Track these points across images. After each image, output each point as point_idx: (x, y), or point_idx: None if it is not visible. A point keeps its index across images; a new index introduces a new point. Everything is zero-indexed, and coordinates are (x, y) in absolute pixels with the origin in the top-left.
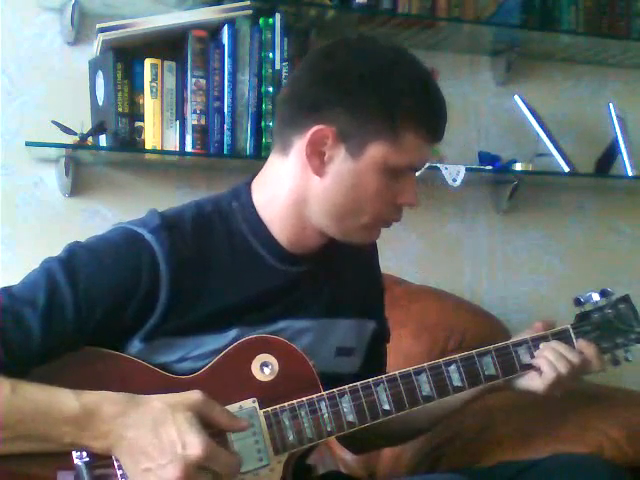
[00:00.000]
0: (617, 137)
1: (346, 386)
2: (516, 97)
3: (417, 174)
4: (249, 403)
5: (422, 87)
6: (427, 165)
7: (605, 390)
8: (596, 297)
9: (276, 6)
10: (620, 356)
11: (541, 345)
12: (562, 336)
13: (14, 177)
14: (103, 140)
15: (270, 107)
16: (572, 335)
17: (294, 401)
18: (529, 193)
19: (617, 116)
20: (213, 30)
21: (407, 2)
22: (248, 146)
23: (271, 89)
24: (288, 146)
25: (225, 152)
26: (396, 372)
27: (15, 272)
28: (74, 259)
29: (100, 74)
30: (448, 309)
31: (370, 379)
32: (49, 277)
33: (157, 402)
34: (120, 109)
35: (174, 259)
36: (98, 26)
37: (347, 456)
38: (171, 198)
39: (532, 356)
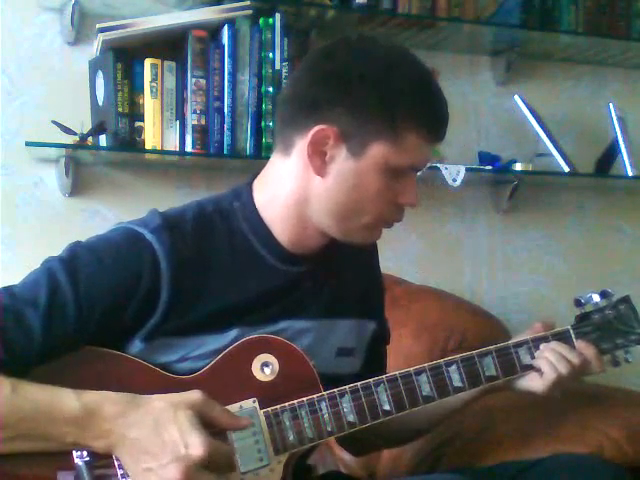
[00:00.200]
0: (617, 137)
1: (346, 386)
2: (516, 97)
3: (418, 174)
4: (249, 403)
5: (423, 87)
6: (427, 165)
7: (605, 390)
8: (596, 298)
9: (276, 6)
10: (620, 357)
11: (541, 346)
12: (562, 337)
13: (14, 177)
14: (103, 140)
15: (270, 107)
16: (572, 336)
17: (294, 401)
18: (529, 193)
19: (617, 116)
20: (213, 30)
21: (407, 2)
22: (248, 146)
23: (271, 89)
24: (289, 146)
25: (225, 152)
26: (396, 372)
27: (15, 272)
28: (75, 259)
29: (100, 74)
30: (448, 309)
31: (370, 379)
32: (50, 277)
33: (158, 402)
34: (120, 109)
35: (175, 259)
36: (98, 26)
37: (347, 456)
38: (171, 198)
39: (532, 357)
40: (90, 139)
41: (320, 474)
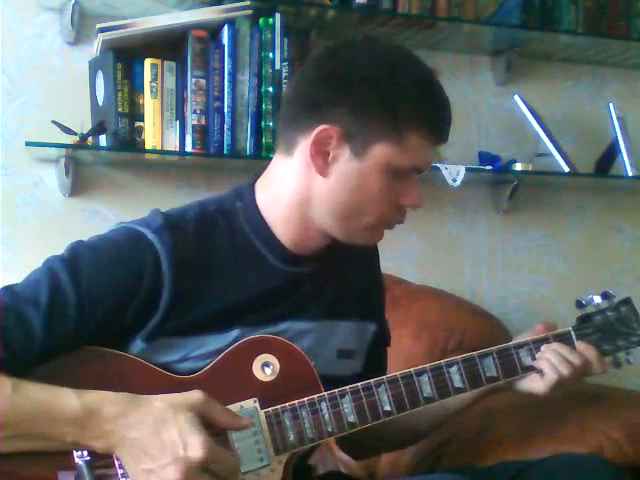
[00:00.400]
0: (617, 137)
1: (347, 387)
2: (516, 97)
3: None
4: (250, 403)
5: (426, 88)
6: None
7: (605, 390)
8: (598, 299)
9: (276, 6)
10: (621, 358)
11: (542, 347)
12: (563, 338)
13: (14, 177)
14: (103, 140)
15: (270, 107)
16: (574, 337)
17: (295, 401)
18: (529, 193)
19: (617, 116)
20: (213, 30)
21: (407, 2)
22: (248, 146)
23: (271, 89)
24: (292, 146)
25: (225, 152)
26: (397, 373)
27: (15, 272)
28: (77, 258)
29: (100, 74)
30: (448, 309)
31: (371, 380)
32: (51, 276)
33: (158, 402)
34: (120, 109)
35: (176, 259)
36: (98, 26)
37: (347, 457)
38: (171, 198)
39: (533, 358)
40: (90, 139)
41: (320, 474)
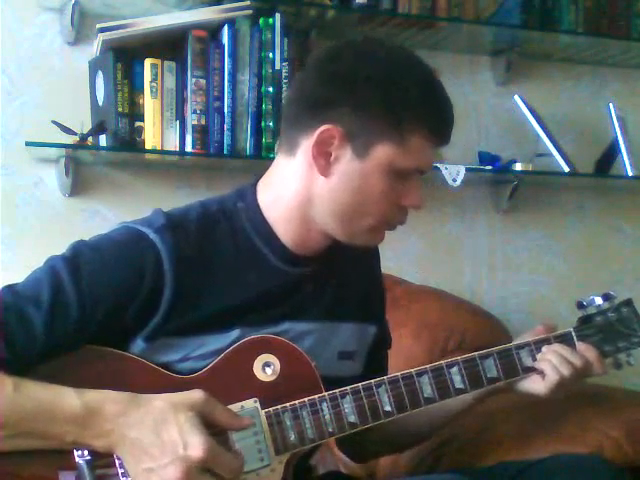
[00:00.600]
0: (617, 137)
1: (347, 387)
2: (516, 97)
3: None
4: (251, 403)
5: (429, 90)
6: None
7: (605, 390)
8: (599, 301)
9: (276, 6)
10: (622, 360)
11: (543, 348)
12: (564, 339)
13: (14, 177)
14: (103, 140)
15: (270, 107)
16: (574, 338)
17: (296, 401)
18: (529, 193)
19: (617, 116)
20: (213, 30)
21: (407, 2)
22: (248, 146)
23: (271, 89)
24: (294, 146)
25: (225, 152)
26: (398, 373)
27: (15, 272)
28: (78, 257)
29: (100, 74)
30: (448, 309)
31: (372, 380)
32: (53, 275)
33: (159, 402)
34: (120, 109)
35: (178, 259)
36: (98, 26)
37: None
38: (171, 198)
39: (534, 359)
40: (90, 139)
41: (320, 474)
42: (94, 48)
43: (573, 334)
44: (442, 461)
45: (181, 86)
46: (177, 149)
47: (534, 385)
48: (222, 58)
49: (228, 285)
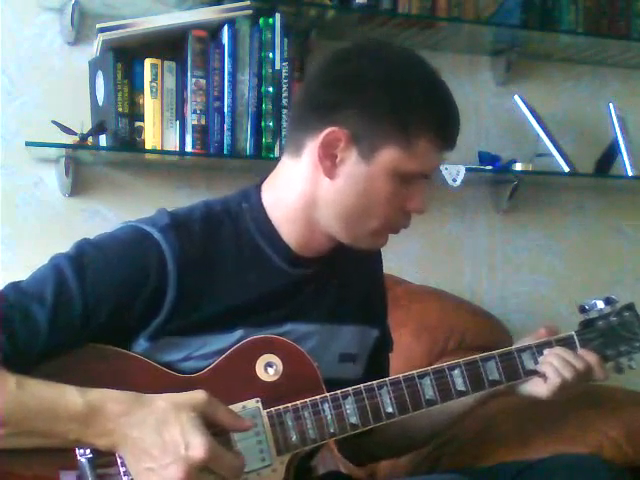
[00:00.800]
0: (617, 137)
1: (349, 388)
2: (516, 97)
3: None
4: (253, 403)
5: (436, 94)
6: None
7: (605, 390)
8: (600, 305)
9: (276, 6)
10: (624, 364)
11: (545, 351)
12: (566, 343)
13: (14, 177)
14: (103, 140)
15: (270, 107)
16: (577, 342)
17: (298, 402)
18: (529, 193)
19: (617, 116)
20: (213, 30)
21: (407, 2)
22: (248, 146)
23: (271, 89)
24: (300, 148)
25: (225, 152)
26: (400, 375)
27: (15, 272)
28: (82, 256)
29: (100, 74)
30: (448, 309)
31: (374, 381)
32: (57, 273)
33: (161, 402)
34: (120, 109)
35: (182, 258)
36: (98, 26)
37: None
38: (171, 198)
39: (536, 362)
40: (90, 139)
41: (320, 474)
42: (94, 48)
43: (575, 338)
44: (442, 461)
45: (181, 86)
46: (177, 149)
47: (536, 388)
48: (222, 58)
49: (231, 285)
